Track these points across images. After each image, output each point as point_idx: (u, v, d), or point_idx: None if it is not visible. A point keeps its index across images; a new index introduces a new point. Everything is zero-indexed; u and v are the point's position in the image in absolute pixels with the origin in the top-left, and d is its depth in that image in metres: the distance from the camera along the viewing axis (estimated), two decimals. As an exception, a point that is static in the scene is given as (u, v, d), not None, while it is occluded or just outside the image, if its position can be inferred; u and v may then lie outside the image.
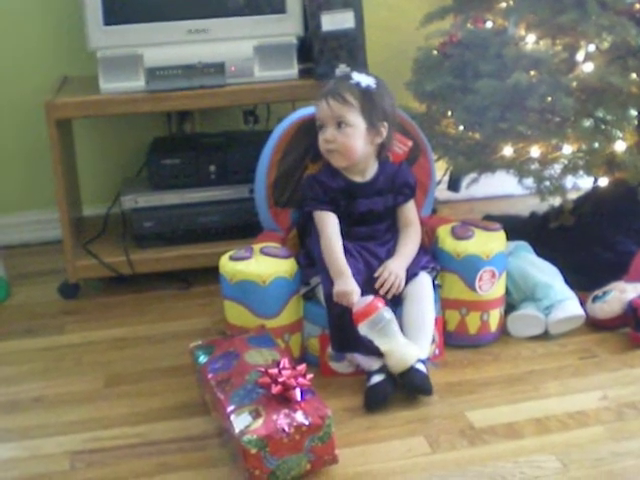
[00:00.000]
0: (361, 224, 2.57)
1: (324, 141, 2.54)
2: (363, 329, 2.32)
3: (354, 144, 2.51)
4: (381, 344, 2.31)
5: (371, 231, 2.58)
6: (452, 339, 2.62)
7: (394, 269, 2.47)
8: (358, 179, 2.58)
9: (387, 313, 2.33)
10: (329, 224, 2.52)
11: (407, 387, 2.35)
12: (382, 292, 2.43)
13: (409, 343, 2.33)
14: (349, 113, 2.50)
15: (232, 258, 2.49)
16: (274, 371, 2.07)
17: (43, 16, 3.32)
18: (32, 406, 2.40)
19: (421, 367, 2.36)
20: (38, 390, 2.48)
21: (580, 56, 2.68)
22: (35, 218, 3.51)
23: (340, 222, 2.55)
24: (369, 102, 2.51)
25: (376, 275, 2.47)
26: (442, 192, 3.35)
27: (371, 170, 2.59)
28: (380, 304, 2.34)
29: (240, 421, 2.00)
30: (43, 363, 2.63)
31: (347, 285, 2.38)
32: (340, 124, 2.51)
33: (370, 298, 2.36)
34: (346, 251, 2.49)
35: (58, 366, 2.61)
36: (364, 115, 2.50)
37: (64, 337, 2.79)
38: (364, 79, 2.53)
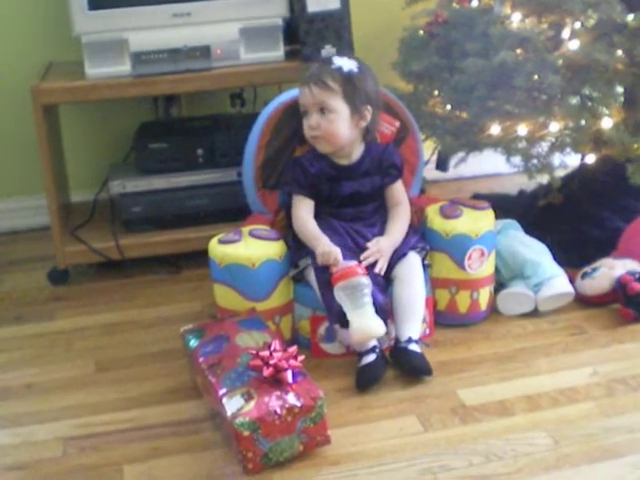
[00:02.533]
0: (348, 206, 2.57)
1: (308, 128, 2.54)
2: (338, 292, 2.31)
3: (338, 130, 2.51)
4: (349, 310, 2.30)
5: (358, 212, 2.58)
6: (442, 318, 2.63)
7: (381, 246, 2.48)
8: (344, 162, 2.58)
9: (365, 280, 2.32)
10: (302, 207, 2.55)
11: (405, 369, 2.36)
12: (365, 264, 2.43)
13: (376, 318, 2.31)
14: (331, 99, 2.49)
15: (221, 241, 2.49)
16: (265, 353, 2.07)
17: (27, 2, 3.30)
18: (23, 393, 2.40)
19: (415, 347, 2.37)
20: (29, 377, 2.48)
21: (566, 34, 2.68)
22: (23, 204, 3.50)
23: (326, 204, 2.56)
24: (351, 87, 2.50)
25: (367, 245, 2.48)
26: (430, 172, 3.35)
27: (357, 152, 2.59)
28: (360, 270, 2.34)
29: (232, 404, 2.00)
30: (34, 350, 2.63)
31: (327, 245, 2.40)
32: (323, 110, 2.50)
33: (353, 262, 2.37)
34: (333, 229, 2.50)
35: (49, 352, 2.61)
36: (347, 100, 2.50)
37: (54, 323, 2.79)
38: (346, 63, 2.52)
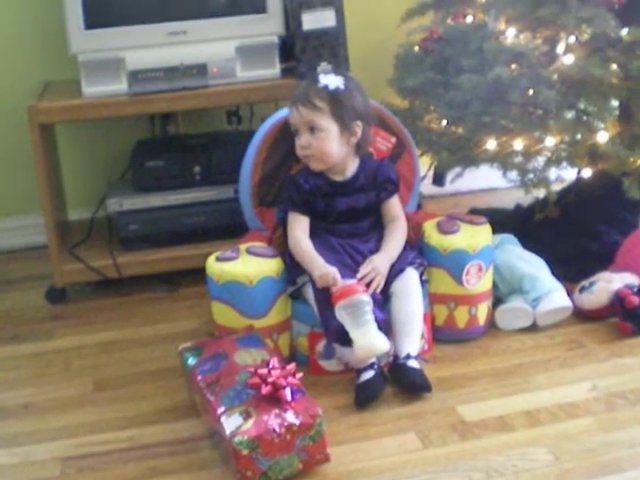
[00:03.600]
0: (343, 222, 2.57)
1: (299, 147, 2.55)
2: (339, 311, 2.31)
3: (329, 148, 2.51)
4: (352, 329, 2.30)
5: (353, 228, 2.58)
6: (441, 334, 2.62)
7: (377, 265, 2.47)
8: (338, 178, 2.58)
9: (366, 298, 2.32)
10: (298, 226, 2.54)
11: (404, 385, 2.36)
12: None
13: (380, 334, 2.31)
14: (320, 118, 2.50)
15: (218, 259, 2.49)
16: (263, 371, 2.07)
17: (24, 21, 3.30)
18: (21, 413, 2.40)
19: (414, 364, 2.37)
20: (27, 396, 2.47)
21: (560, 49, 2.69)
22: (20, 223, 3.50)
23: (321, 220, 2.56)
24: (339, 104, 2.50)
25: (360, 269, 2.47)
26: (427, 187, 3.35)
27: (351, 168, 2.59)
28: (360, 288, 2.34)
29: (231, 422, 2.00)
30: (31, 369, 2.62)
31: (324, 267, 2.40)
32: (313, 129, 2.51)
33: (352, 281, 2.37)
34: (330, 247, 2.51)
35: (46, 372, 2.60)
36: (335, 118, 2.51)
37: (52, 342, 2.78)
38: (332, 81, 2.53)
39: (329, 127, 2.50)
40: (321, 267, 2.41)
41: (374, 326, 2.31)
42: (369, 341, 2.29)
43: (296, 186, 2.55)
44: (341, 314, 2.31)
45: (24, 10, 3.29)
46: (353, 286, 2.34)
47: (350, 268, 2.47)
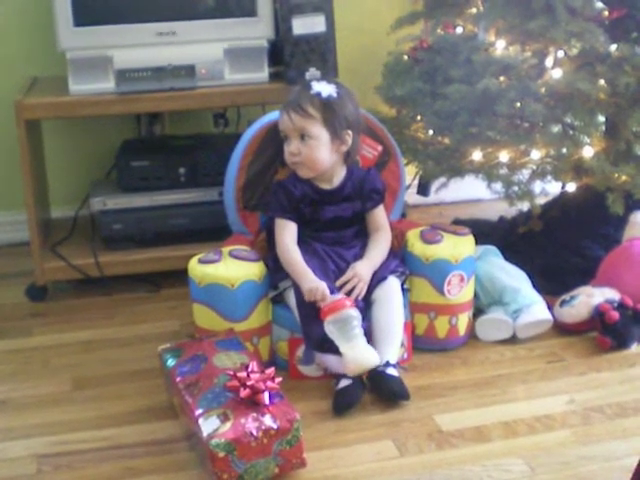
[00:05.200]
0: (328, 229, 2.58)
1: (289, 154, 2.54)
2: (328, 326, 2.32)
3: (319, 156, 2.51)
4: (341, 344, 2.31)
5: (338, 237, 2.58)
6: (421, 343, 2.63)
7: (359, 272, 2.48)
8: (326, 186, 2.58)
9: (354, 313, 2.33)
10: (287, 233, 2.53)
11: (382, 393, 2.35)
12: (343, 292, 2.43)
13: (369, 348, 2.33)
14: (311, 125, 2.50)
15: (201, 261, 2.48)
16: (243, 374, 2.07)
17: (13, 16, 3.30)
18: (-2, 409, 2.39)
19: (393, 372, 2.37)
20: (4, 393, 2.46)
21: (549, 62, 2.70)
22: (2, 220, 3.48)
23: (306, 227, 2.56)
24: (331, 112, 2.50)
25: (343, 277, 2.48)
26: (411, 196, 3.36)
27: (339, 177, 2.59)
28: (348, 302, 2.34)
29: (208, 424, 1.99)
30: (10, 366, 2.61)
31: (313, 281, 2.39)
32: (303, 136, 2.50)
33: (339, 296, 2.37)
34: (315, 253, 2.50)
35: (25, 369, 2.59)
36: (327, 126, 2.50)
37: (32, 339, 2.77)
38: (325, 88, 2.52)
39: (320, 135, 2.50)
40: (311, 281, 2.40)
41: (363, 340, 2.32)
42: (359, 355, 2.30)
43: (286, 192, 2.55)
44: (330, 329, 2.32)
45: (13, 6, 3.29)
46: (342, 301, 2.34)
47: (333, 274, 2.48)
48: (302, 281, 2.42)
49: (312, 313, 2.37)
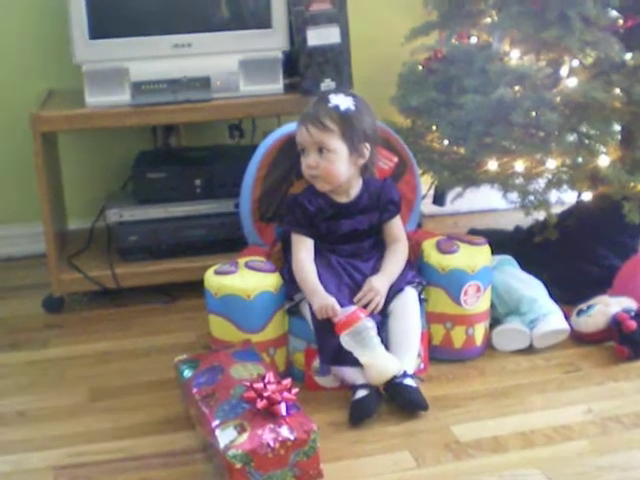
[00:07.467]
0: (345, 242, 2.57)
1: (307, 167, 2.52)
2: (345, 339, 2.31)
3: (337, 169, 2.50)
4: (361, 355, 2.31)
5: (355, 249, 2.58)
6: (437, 353, 2.62)
7: (376, 286, 2.47)
8: (342, 199, 2.57)
9: (369, 323, 2.33)
10: (303, 248, 2.52)
11: (401, 403, 2.35)
12: (359, 306, 2.42)
13: (389, 356, 2.33)
14: (330, 139, 2.48)
15: (217, 272, 2.49)
16: (259, 385, 2.07)
17: (29, 29, 3.31)
18: (16, 420, 2.39)
19: (411, 382, 2.36)
20: (22, 404, 2.47)
21: (564, 71, 2.70)
22: (19, 232, 3.50)
23: (323, 241, 2.55)
24: (349, 126, 2.48)
25: (360, 292, 2.47)
26: (427, 206, 3.36)
27: (355, 189, 2.58)
28: (362, 314, 2.34)
29: (225, 436, 1.99)
30: (27, 377, 2.62)
31: (323, 299, 2.38)
32: (322, 150, 2.49)
33: (352, 308, 2.37)
34: (330, 266, 2.50)
35: (42, 380, 2.60)
36: (345, 139, 2.49)
37: (48, 351, 2.78)
38: (342, 101, 2.50)
39: (338, 148, 2.48)
40: (321, 299, 2.39)
41: (382, 348, 2.33)
42: (381, 363, 2.31)
43: (301, 208, 2.54)
44: (347, 342, 2.31)
45: (29, 18, 3.30)
46: (355, 313, 2.34)
47: (348, 287, 2.47)
48: (313, 299, 2.41)
49: (327, 327, 2.36)
